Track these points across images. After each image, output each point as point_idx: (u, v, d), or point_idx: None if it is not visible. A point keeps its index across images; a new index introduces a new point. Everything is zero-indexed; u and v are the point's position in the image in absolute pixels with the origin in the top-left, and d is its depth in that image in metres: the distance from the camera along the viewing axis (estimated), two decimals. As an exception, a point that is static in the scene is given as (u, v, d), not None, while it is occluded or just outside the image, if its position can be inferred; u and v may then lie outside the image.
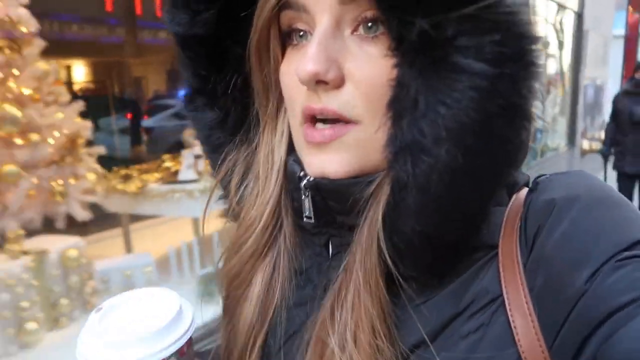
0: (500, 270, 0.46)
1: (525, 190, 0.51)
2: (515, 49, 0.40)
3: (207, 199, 0.62)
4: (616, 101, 5.03)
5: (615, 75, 10.87)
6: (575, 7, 7.26)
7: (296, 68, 0.47)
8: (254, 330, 0.57)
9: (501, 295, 0.45)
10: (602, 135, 5.78)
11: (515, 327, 0.43)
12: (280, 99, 0.56)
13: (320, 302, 0.52)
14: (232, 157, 0.60)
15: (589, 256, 0.41)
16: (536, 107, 0.45)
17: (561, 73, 7.36)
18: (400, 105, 0.43)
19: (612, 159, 5.12)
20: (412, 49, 0.41)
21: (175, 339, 0.50)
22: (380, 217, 0.46)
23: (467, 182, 0.42)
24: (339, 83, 0.47)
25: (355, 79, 0.46)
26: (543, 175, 0.52)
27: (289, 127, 0.56)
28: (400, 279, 0.47)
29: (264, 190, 0.57)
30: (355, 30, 0.47)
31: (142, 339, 0.48)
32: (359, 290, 0.48)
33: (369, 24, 0.46)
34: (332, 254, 0.55)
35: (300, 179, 0.53)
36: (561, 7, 6.78)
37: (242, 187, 0.59)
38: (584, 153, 7.77)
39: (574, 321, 0.40)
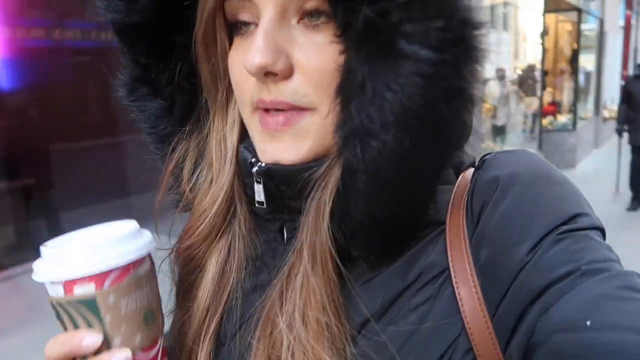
0: (447, 244, 0.48)
1: (471, 169, 0.53)
2: (458, 34, 0.41)
3: None
4: (628, 85, 6.07)
5: (616, 60, 13.73)
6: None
7: (243, 60, 0.48)
8: (209, 314, 0.56)
9: (448, 268, 0.47)
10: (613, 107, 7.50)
11: (460, 299, 0.46)
12: (230, 87, 0.56)
13: (271, 287, 0.52)
14: (183, 146, 0.59)
15: (529, 230, 0.44)
16: (480, 90, 0.45)
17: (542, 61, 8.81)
18: (348, 90, 0.44)
19: (625, 135, 6.09)
20: (358, 36, 0.42)
21: (137, 247, 0.48)
22: (328, 200, 0.48)
23: (415, 165, 0.44)
24: (288, 73, 0.47)
25: (304, 68, 0.47)
26: (489, 153, 0.53)
27: (240, 114, 0.56)
28: (351, 258, 0.49)
29: (218, 177, 0.57)
30: (301, 18, 0.47)
31: (97, 247, 0.46)
32: (307, 271, 0.49)
33: (313, 14, 0.46)
34: (286, 238, 0.55)
35: (252, 165, 0.53)
36: (584, 12, 8.95)
37: (195, 175, 0.59)
38: (604, 120, 10.76)
39: (515, 292, 0.43)
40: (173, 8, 0.53)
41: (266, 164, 0.51)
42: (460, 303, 0.46)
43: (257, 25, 0.48)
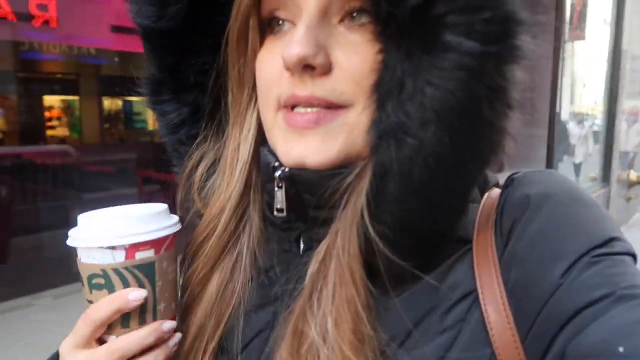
0: (475, 264, 0.47)
1: (495, 189, 0.53)
2: (502, 29, 0.40)
3: None
4: None
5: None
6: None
7: (282, 52, 0.47)
8: (207, 333, 0.55)
9: (475, 289, 0.46)
10: None
11: (489, 323, 0.44)
12: (253, 90, 0.56)
13: (290, 298, 0.51)
14: (199, 151, 0.59)
15: (563, 252, 0.43)
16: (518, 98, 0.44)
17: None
18: (386, 87, 0.43)
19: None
20: (400, 31, 0.42)
21: (177, 220, 0.53)
22: (360, 206, 0.46)
23: (452, 168, 0.43)
24: (327, 69, 0.47)
25: (344, 66, 0.46)
26: (517, 172, 0.52)
27: (257, 121, 0.56)
28: (376, 271, 0.47)
29: (228, 186, 0.57)
30: (342, 19, 0.47)
31: (152, 216, 0.51)
32: (341, 277, 0.47)
33: (354, 14, 0.47)
34: (303, 249, 0.54)
35: (275, 169, 0.51)
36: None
37: (208, 182, 0.59)
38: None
39: (547, 315, 0.42)
40: (202, 13, 0.54)
41: (290, 169, 0.50)
42: (489, 327, 0.44)
43: (293, 24, 0.49)
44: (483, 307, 0.45)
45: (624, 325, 0.38)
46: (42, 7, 3.28)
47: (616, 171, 7.47)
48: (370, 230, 0.46)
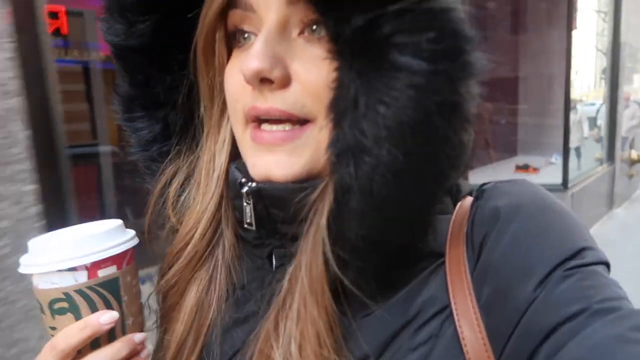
0: (448, 279, 0.47)
1: (469, 198, 0.52)
2: (451, 47, 0.41)
3: None
4: None
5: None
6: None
7: (241, 65, 0.47)
8: (187, 348, 0.56)
9: (449, 305, 0.46)
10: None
11: (463, 339, 0.44)
12: (224, 103, 0.56)
13: (264, 316, 0.50)
14: (173, 166, 0.59)
15: (535, 265, 0.43)
16: (477, 109, 0.44)
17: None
18: (341, 106, 0.43)
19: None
20: (350, 50, 0.42)
21: (134, 234, 0.53)
22: (324, 224, 0.46)
23: (410, 183, 0.43)
24: (285, 82, 0.47)
25: (302, 79, 0.47)
26: (488, 182, 0.52)
27: (231, 133, 0.56)
28: (347, 289, 0.46)
29: (204, 198, 0.57)
30: (301, 32, 0.48)
31: (109, 232, 0.50)
32: (305, 299, 0.47)
33: (314, 27, 0.47)
34: (275, 266, 0.54)
35: (242, 185, 0.52)
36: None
37: (182, 196, 0.59)
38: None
39: (523, 331, 0.41)
40: (171, 29, 0.54)
41: (257, 184, 0.50)
42: (463, 343, 0.45)
43: (256, 36, 0.49)
44: (457, 323, 0.45)
45: (602, 343, 0.38)
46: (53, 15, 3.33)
47: (619, 151, 7.97)
48: (335, 249, 0.46)
